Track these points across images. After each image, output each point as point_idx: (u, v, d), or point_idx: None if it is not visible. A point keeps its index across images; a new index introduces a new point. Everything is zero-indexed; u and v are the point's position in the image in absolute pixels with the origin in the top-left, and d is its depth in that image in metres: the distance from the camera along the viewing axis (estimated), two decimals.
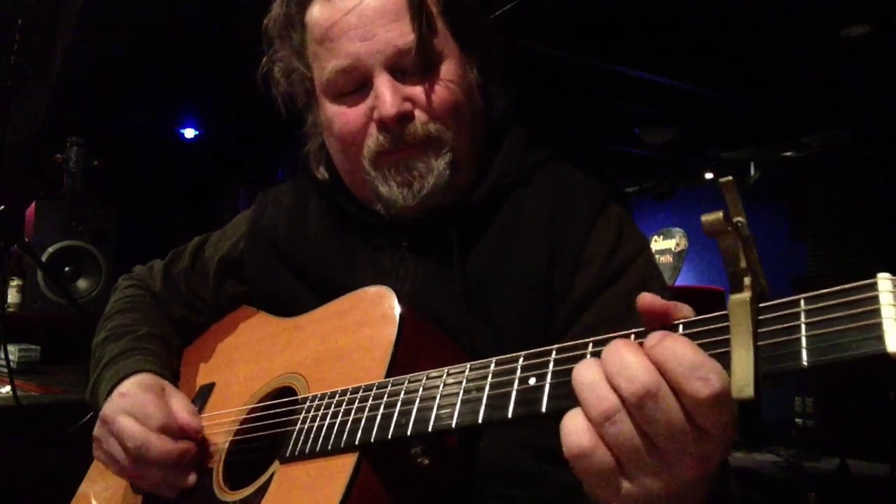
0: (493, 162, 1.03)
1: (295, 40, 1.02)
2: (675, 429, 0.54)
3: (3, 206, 1.74)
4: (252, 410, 0.98)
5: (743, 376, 0.52)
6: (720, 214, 0.54)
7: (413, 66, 0.94)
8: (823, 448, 5.49)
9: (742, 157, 6.02)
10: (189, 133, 5.88)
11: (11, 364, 2.01)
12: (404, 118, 0.93)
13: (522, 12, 3.20)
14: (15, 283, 2.75)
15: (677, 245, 5.26)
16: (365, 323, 0.89)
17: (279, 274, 1.10)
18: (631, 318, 0.89)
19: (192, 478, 0.94)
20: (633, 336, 0.61)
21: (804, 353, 0.52)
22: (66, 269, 2.86)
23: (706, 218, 0.54)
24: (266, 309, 1.13)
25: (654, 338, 0.56)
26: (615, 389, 0.56)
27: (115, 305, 1.23)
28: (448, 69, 0.97)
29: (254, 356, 1.07)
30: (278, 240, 1.11)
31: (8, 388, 1.82)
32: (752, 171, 6.04)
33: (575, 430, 0.57)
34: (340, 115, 0.98)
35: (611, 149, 6.16)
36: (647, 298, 0.61)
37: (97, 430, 0.98)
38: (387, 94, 0.92)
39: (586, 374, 0.58)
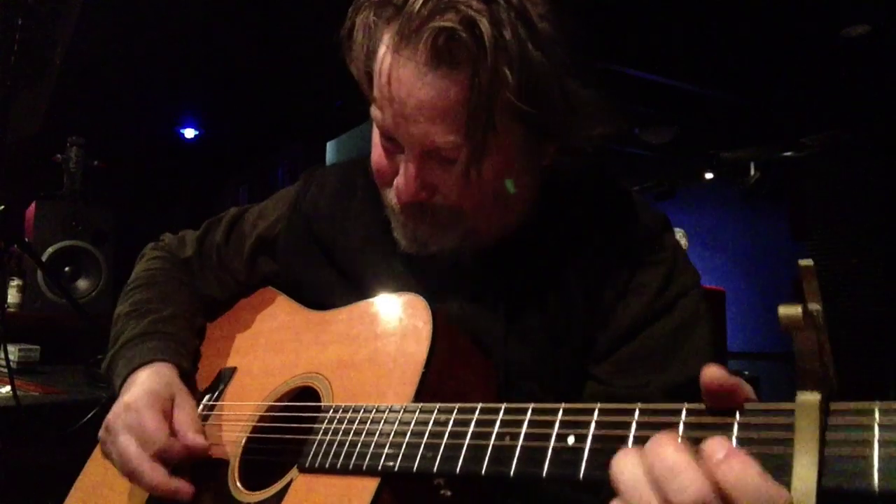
0: (546, 199, 0.98)
1: (370, 45, 0.91)
2: None
3: (3, 206, 1.74)
4: (271, 409, 0.97)
5: (804, 487, 0.47)
6: (800, 309, 0.48)
7: (454, 155, 0.85)
8: None
9: (742, 157, 6.02)
10: (189, 133, 5.87)
11: (11, 364, 2.01)
12: (420, 202, 0.89)
13: None
14: (15, 283, 2.75)
15: None
16: (396, 333, 0.87)
17: (313, 261, 1.09)
18: (673, 355, 0.89)
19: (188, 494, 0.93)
20: (683, 412, 0.56)
21: (875, 473, 0.46)
22: (66, 269, 2.86)
23: (785, 312, 0.48)
24: (292, 293, 1.12)
25: (717, 451, 0.49)
26: (659, 494, 0.50)
27: (141, 276, 1.21)
28: (493, 165, 0.85)
29: (278, 346, 1.06)
30: (317, 226, 1.10)
31: (8, 388, 1.82)
32: (752, 171, 6.03)
33: None
34: (376, 150, 0.94)
35: (611, 149, 6.15)
36: (710, 374, 0.54)
37: (102, 433, 0.98)
38: (407, 180, 0.87)
39: (627, 470, 0.53)
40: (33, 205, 2.84)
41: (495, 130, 0.82)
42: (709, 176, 6.42)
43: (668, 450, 0.51)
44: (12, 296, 2.74)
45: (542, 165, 0.94)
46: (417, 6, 0.80)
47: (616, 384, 0.89)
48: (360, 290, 0.99)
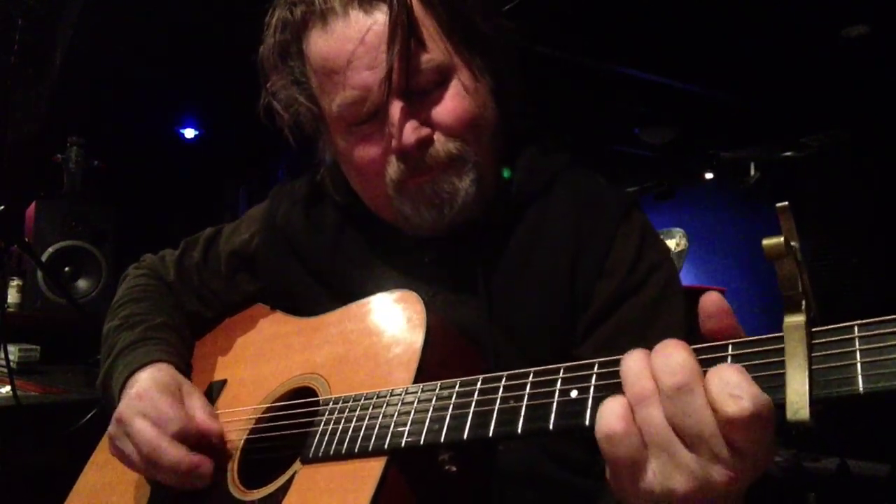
0: (514, 170, 1.01)
1: (295, 70, 0.99)
2: (703, 430, 0.55)
3: (3, 206, 1.74)
4: (269, 409, 0.96)
5: (798, 399, 0.53)
6: (781, 239, 0.54)
7: (424, 85, 0.91)
8: (823, 448, 5.48)
9: (742, 157, 6.02)
10: (189, 133, 5.87)
11: (11, 364, 2.01)
12: (424, 144, 0.91)
13: (522, 12, 3.20)
14: (15, 283, 2.75)
15: (677, 245, 5.25)
16: (390, 326, 0.88)
17: (295, 273, 1.10)
18: (650, 329, 0.90)
19: (205, 482, 0.93)
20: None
21: (860, 378, 0.52)
22: (66, 269, 2.86)
23: (768, 242, 0.55)
24: (281, 307, 1.12)
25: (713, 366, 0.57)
26: (655, 378, 0.57)
27: (128, 293, 1.21)
28: (460, 81, 0.93)
29: (269, 355, 1.05)
30: (294, 238, 1.11)
31: (8, 388, 1.82)
32: (752, 171, 6.03)
33: (610, 412, 0.59)
34: (357, 148, 0.95)
35: (611, 149, 6.15)
36: (710, 297, 0.61)
37: (112, 429, 0.98)
38: (403, 122, 0.90)
39: (633, 362, 0.60)
40: (33, 205, 2.84)
41: (440, 45, 0.91)
42: (709, 176, 6.42)
43: (670, 344, 0.59)
44: (12, 296, 2.74)
45: (491, 93, 0.98)
46: None
47: None
48: (342, 296, 1.00)
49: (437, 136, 0.92)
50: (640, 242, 0.96)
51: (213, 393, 1.09)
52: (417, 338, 0.83)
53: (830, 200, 5.73)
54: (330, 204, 1.11)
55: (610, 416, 0.59)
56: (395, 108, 0.90)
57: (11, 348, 2.24)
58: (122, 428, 0.95)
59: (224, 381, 1.09)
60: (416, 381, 0.79)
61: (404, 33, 0.87)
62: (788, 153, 5.79)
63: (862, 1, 3.63)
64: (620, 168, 6.86)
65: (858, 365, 0.52)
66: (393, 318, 0.89)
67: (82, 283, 2.87)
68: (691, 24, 3.88)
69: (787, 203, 0.55)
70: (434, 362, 0.81)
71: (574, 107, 5.05)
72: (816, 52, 4.19)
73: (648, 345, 0.88)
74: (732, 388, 0.54)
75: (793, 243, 0.55)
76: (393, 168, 0.93)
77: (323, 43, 0.92)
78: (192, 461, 0.91)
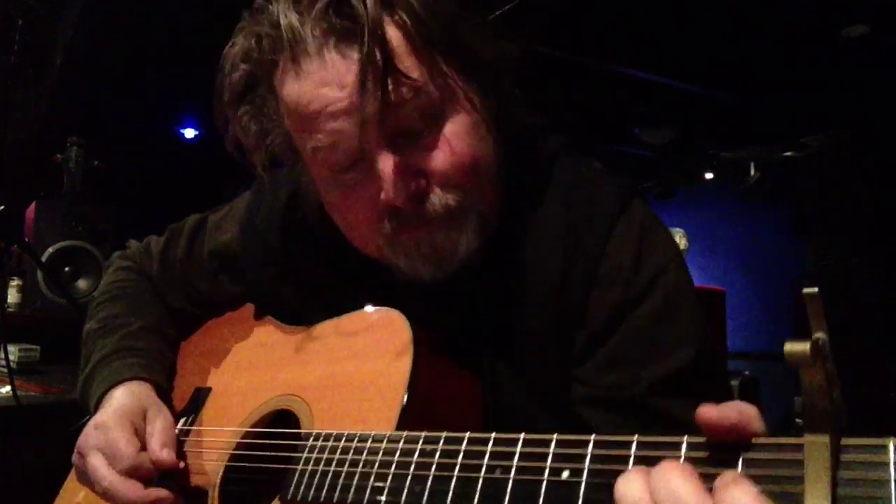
0: (506, 181, 0.90)
1: (267, 107, 0.86)
2: None
3: (3, 206, 1.74)
4: (248, 434, 0.94)
5: None
6: (807, 346, 0.46)
7: (414, 127, 0.79)
8: None
9: (742, 157, 6.02)
10: (189, 133, 5.87)
11: (11, 364, 2.01)
12: (417, 198, 0.79)
13: (522, 12, 3.20)
14: (15, 283, 2.76)
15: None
16: (376, 352, 0.84)
17: (275, 282, 1.05)
18: (657, 345, 0.83)
19: None
20: (684, 446, 0.54)
21: None
22: (66, 269, 2.86)
23: (791, 349, 0.46)
24: (268, 312, 1.09)
25: (721, 480, 0.49)
26: None
27: (108, 290, 1.19)
28: (456, 117, 0.81)
29: (255, 366, 1.04)
30: (274, 246, 1.04)
31: (8, 388, 1.82)
32: (752, 171, 6.03)
33: None
34: (342, 199, 0.84)
35: (611, 149, 6.15)
36: (705, 414, 0.52)
37: (75, 457, 0.96)
38: (391, 175, 0.77)
39: (631, 492, 0.52)
40: (33, 205, 2.84)
41: (428, 78, 0.78)
42: (709, 176, 6.42)
43: (670, 473, 0.50)
44: (12, 296, 2.74)
45: (492, 121, 0.86)
46: (285, 19, 0.78)
47: (601, 384, 0.83)
48: (326, 309, 0.95)
49: (434, 187, 0.80)
50: (640, 243, 0.85)
51: (198, 400, 1.07)
52: (403, 372, 0.78)
53: (830, 200, 5.73)
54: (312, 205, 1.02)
55: None
56: (382, 157, 0.78)
57: (11, 348, 2.24)
58: (81, 459, 0.94)
59: (209, 390, 1.08)
60: (400, 419, 0.76)
61: (384, 74, 0.75)
62: (788, 153, 5.79)
63: (862, 1, 3.63)
64: (620, 168, 6.86)
65: (892, 497, 0.44)
66: (379, 344, 0.84)
67: (82, 283, 2.87)
68: (691, 24, 3.88)
69: (815, 290, 0.47)
70: (420, 398, 0.78)
71: (574, 107, 5.05)
72: (816, 52, 4.19)
73: (658, 363, 0.81)
74: None
75: (819, 336, 0.47)
76: (385, 224, 0.82)
77: (296, 88, 0.80)
78: (147, 499, 0.88)
